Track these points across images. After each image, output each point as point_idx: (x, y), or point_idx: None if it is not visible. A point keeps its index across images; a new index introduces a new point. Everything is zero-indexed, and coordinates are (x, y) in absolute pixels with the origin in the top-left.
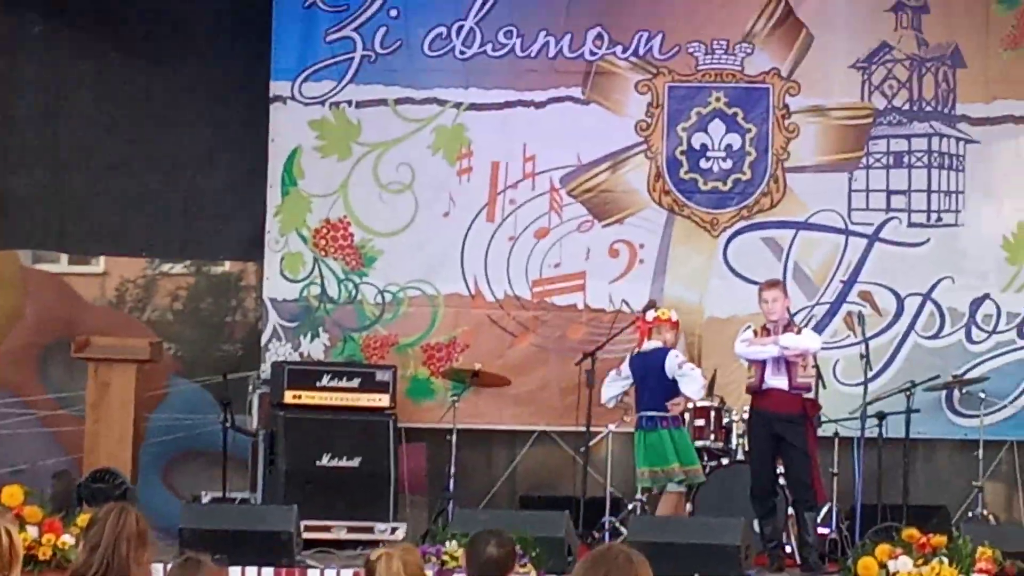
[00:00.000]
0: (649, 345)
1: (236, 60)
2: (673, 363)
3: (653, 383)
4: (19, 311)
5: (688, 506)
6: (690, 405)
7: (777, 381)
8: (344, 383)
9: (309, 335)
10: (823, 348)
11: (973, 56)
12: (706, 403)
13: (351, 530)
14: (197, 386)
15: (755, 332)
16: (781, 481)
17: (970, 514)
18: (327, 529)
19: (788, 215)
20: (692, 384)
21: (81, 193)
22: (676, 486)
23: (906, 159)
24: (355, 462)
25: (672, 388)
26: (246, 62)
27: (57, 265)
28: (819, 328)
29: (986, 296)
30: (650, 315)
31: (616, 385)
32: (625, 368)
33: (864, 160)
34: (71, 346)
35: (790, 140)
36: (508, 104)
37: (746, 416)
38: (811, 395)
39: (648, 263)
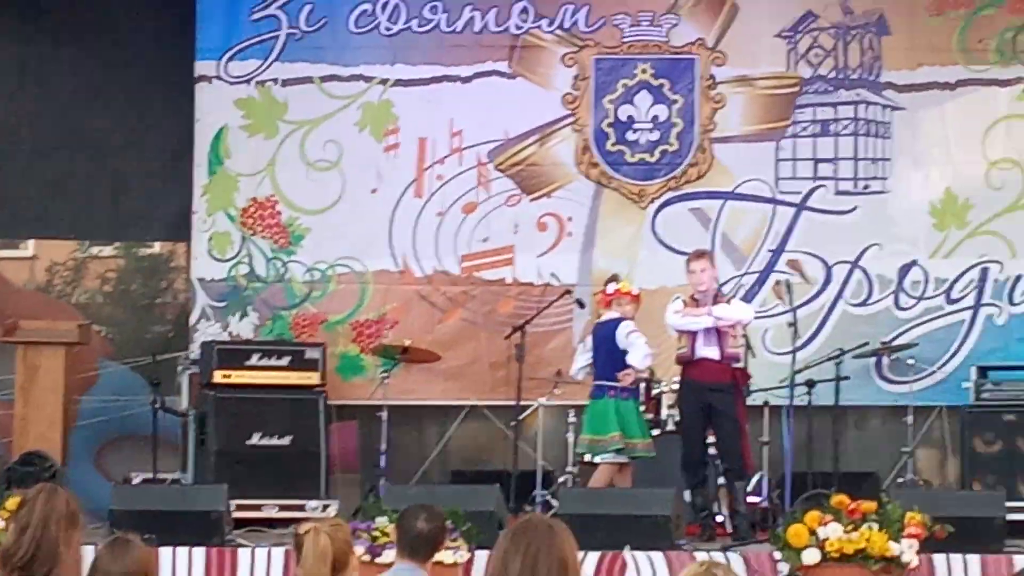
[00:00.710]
0: (607, 315)
1: (161, 40)
2: (622, 332)
3: (605, 353)
4: None
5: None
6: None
7: (708, 351)
8: (274, 361)
9: (238, 314)
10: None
11: (899, 23)
12: None
13: (282, 508)
14: (127, 368)
15: (684, 303)
16: (712, 451)
17: (900, 480)
18: (258, 508)
19: (715, 185)
20: (636, 353)
21: (8, 177)
22: (613, 456)
23: (832, 127)
24: (286, 440)
25: (623, 358)
26: (171, 42)
27: None
28: (748, 297)
29: (914, 263)
30: (611, 287)
31: (583, 357)
32: (589, 339)
33: (791, 129)
34: None
35: (716, 110)
36: (434, 79)
37: (675, 387)
38: (741, 364)
39: (576, 236)
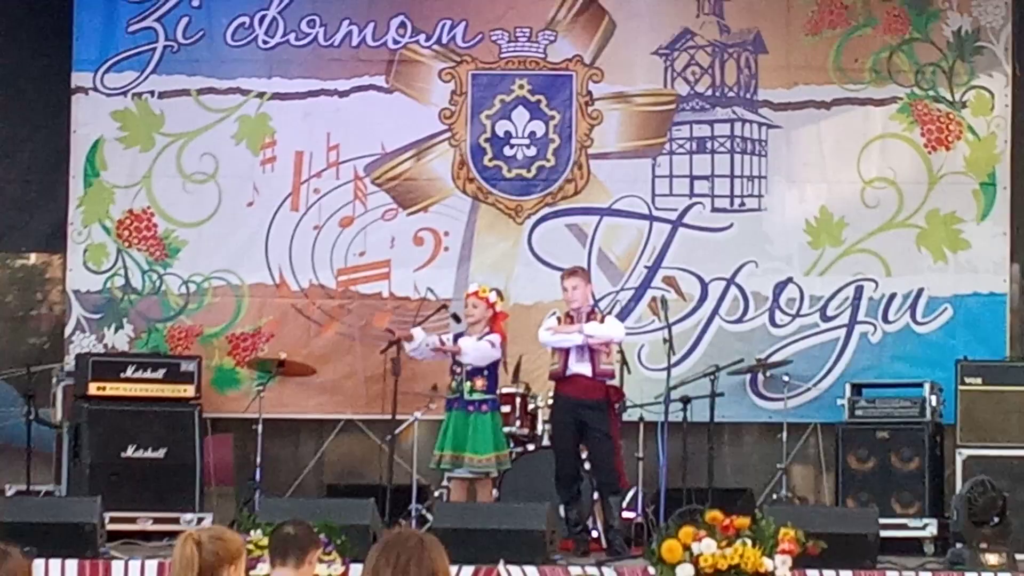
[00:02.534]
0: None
1: (37, 51)
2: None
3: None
4: None
5: (494, 492)
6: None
7: (580, 367)
8: (149, 374)
9: (113, 326)
10: (628, 334)
11: (775, 42)
12: (512, 389)
13: (157, 521)
14: (1, 379)
15: (559, 319)
16: (586, 466)
17: (775, 496)
18: (132, 520)
19: (592, 201)
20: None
21: None
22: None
23: (709, 144)
24: (160, 453)
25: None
26: (47, 53)
27: None
28: (624, 314)
29: (789, 280)
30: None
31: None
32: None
33: (667, 146)
34: None
35: (594, 127)
36: (311, 93)
37: (551, 402)
38: (615, 382)
39: (453, 251)
